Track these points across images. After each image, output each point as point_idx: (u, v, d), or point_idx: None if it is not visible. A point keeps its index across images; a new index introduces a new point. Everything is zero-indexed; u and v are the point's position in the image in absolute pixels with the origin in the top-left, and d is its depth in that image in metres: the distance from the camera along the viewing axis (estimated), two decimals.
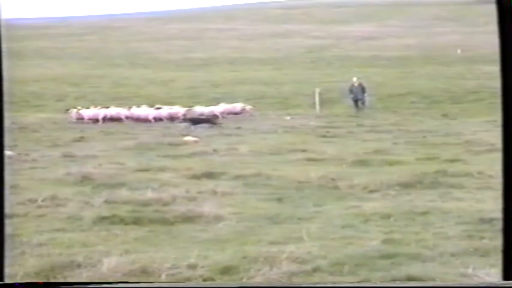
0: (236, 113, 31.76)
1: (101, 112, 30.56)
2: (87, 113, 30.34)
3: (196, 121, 28.33)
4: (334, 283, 6.30)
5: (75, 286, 4.11)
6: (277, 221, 11.02)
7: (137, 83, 44.58)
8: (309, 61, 53.79)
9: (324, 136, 23.85)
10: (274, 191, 13.47)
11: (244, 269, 8.31)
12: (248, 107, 32.08)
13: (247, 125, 28.03)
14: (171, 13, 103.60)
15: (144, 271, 8.18)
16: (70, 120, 29.72)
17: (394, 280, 7.86)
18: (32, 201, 12.47)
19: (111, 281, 7.44)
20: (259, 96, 37.22)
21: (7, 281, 3.31)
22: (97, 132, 26.36)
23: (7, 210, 3.48)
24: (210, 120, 28.97)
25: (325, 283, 6.28)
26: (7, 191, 3.21)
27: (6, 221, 3.47)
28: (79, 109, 30.51)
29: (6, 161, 3.31)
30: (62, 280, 7.79)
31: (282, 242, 9.46)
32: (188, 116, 29.99)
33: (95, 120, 29.95)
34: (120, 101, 38.00)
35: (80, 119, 29.96)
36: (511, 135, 3.41)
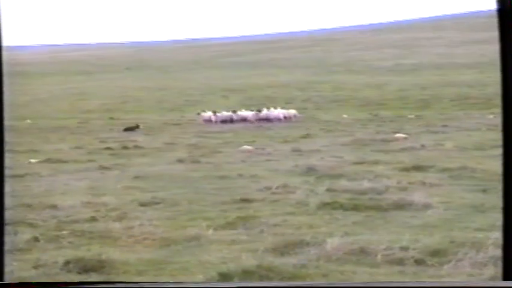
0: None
1: (218, 115, 31.75)
2: (206, 116, 31.83)
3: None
4: (335, 283, 5.83)
5: (74, 286, 3.86)
6: (482, 210, 10.53)
7: (353, 87, 44.61)
8: None
9: None
10: (478, 183, 12.87)
11: (452, 252, 8.05)
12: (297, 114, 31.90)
13: (453, 123, 27.06)
14: (383, 24, 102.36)
15: (362, 251, 8.17)
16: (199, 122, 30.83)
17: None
18: (268, 188, 12.90)
19: (111, 281, 7.34)
20: (464, 97, 35.76)
21: (6, 280, 3.10)
22: (319, 130, 26.76)
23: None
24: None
25: (325, 283, 5.80)
26: (7, 191, 3.18)
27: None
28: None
29: (6, 162, 3.15)
30: (66, 280, 7.82)
31: (487, 229, 9.03)
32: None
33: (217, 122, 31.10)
34: (339, 103, 38.29)
35: (208, 120, 31.38)
36: (511, 135, 3.05)
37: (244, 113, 32.10)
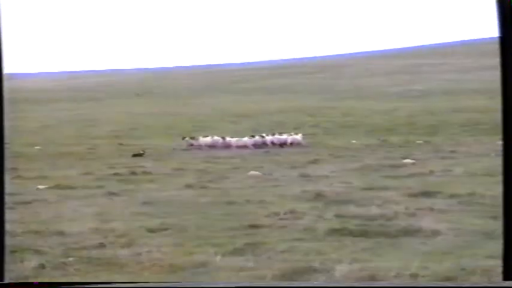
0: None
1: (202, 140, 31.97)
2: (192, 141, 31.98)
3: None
4: (334, 283, 5.71)
5: (74, 286, 3.91)
6: (493, 237, 10.42)
7: (363, 113, 44.60)
8: None
9: None
10: (488, 209, 12.75)
11: (462, 280, 7.96)
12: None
13: (462, 148, 26.95)
14: (392, 51, 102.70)
15: (371, 278, 8.10)
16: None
17: None
18: (276, 214, 12.85)
19: (111, 281, 7.28)
20: (473, 123, 35.68)
21: (6, 280, 3.14)
22: (327, 155, 26.71)
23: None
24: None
25: (325, 283, 5.68)
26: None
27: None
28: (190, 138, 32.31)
29: (5, 161, 3.16)
30: (63, 280, 7.76)
31: (497, 257, 8.91)
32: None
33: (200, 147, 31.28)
34: (348, 129, 38.24)
35: (191, 145, 31.58)
36: (511, 135, 3.05)
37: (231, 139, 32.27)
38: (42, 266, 9.11)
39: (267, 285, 4.84)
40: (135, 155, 28.32)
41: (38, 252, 9.93)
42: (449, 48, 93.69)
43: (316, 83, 68.17)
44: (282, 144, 31.40)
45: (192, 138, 32.56)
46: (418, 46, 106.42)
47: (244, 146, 31.29)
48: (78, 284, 3.65)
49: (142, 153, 28.79)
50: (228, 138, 32.26)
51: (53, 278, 8.71)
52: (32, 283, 3.60)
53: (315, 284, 5.30)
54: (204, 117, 45.37)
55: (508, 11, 3.09)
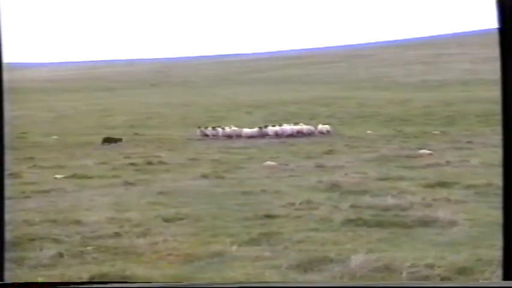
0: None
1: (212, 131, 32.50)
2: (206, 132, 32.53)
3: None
4: (335, 283, 5.71)
5: (74, 286, 3.88)
6: None
7: (378, 103, 44.46)
8: None
9: None
10: None
11: (479, 270, 7.95)
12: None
13: (478, 139, 26.81)
14: (408, 40, 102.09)
15: (387, 268, 8.11)
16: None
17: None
18: (291, 204, 12.88)
19: (110, 281, 7.29)
20: (489, 114, 35.44)
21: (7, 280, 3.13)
22: (343, 146, 26.69)
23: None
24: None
25: (325, 283, 5.67)
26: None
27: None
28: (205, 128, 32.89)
29: (6, 161, 3.16)
30: (61, 281, 7.77)
31: None
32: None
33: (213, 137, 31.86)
34: (364, 119, 38.16)
35: (205, 135, 32.09)
36: (511, 135, 3.04)
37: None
38: (60, 255, 9.21)
39: (267, 285, 4.88)
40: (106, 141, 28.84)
41: (56, 241, 10.03)
42: (466, 38, 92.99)
43: (331, 73, 67.98)
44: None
45: (213, 128, 32.80)
46: (434, 36, 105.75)
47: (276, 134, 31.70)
48: (79, 284, 3.69)
49: (119, 140, 29.35)
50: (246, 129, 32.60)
51: (70, 265, 8.80)
52: (34, 283, 3.63)
53: (315, 284, 5.34)
54: (218, 107, 45.42)
55: (507, 2, 3.09)
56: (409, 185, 15.33)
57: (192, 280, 8.10)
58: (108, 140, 29.40)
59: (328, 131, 32.59)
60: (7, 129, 3.11)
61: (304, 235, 10.24)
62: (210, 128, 32.88)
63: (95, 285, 3.58)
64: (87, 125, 38.28)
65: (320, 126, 33.05)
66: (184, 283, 3.74)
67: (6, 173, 3.18)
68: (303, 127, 32.84)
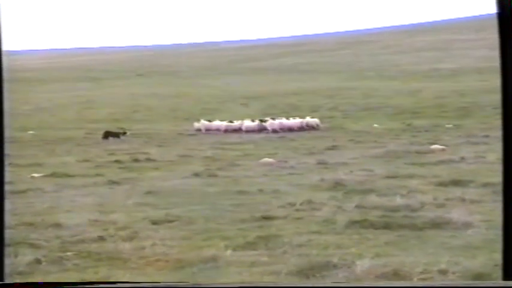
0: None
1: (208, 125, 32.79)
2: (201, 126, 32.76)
3: None
4: (334, 283, 5.74)
5: (74, 286, 3.92)
6: None
7: (386, 94, 44.49)
8: None
9: None
10: None
11: (496, 277, 7.95)
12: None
13: (495, 133, 26.86)
14: (418, 25, 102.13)
15: (396, 274, 8.12)
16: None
17: None
18: (291, 204, 12.88)
19: (111, 281, 7.30)
20: None
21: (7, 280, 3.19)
22: (347, 141, 26.72)
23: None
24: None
25: (325, 283, 5.70)
26: (6, 192, 3.24)
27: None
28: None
29: (6, 162, 3.23)
30: (71, 281, 7.76)
31: None
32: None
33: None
34: (370, 111, 38.17)
35: (198, 130, 32.33)
36: (511, 135, 3.06)
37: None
38: (38, 261, 9.18)
39: (267, 285, 4.92)
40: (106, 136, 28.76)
41: (33, 246, 10.02)
42: (482, 22, 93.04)
43: (334, 62, 68.00)
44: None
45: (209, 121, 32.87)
46: (446, 20, 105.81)
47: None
48: (79, 284, 3.73)
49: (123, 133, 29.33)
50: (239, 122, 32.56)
51: (49, 273, 8.78)
52: (34, 283, 3.68)
53: (315, 284, 5.34)
54: (211, 99, 45.42)
55: None
56: (419, 183, 15.35)
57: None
58: (109, 135, 29.29)
59: (317, 125, 32.46)
60: None
61: (305, 238, 10.27)
62: (204, 121, 32.83)
63: (95, 285, 3.62)
64: (67, 118, 38.24)
65: (308, 119, 32.95)
66: (189, 283, 3.80)
67: (6, 173, 3.25)
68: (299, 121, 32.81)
